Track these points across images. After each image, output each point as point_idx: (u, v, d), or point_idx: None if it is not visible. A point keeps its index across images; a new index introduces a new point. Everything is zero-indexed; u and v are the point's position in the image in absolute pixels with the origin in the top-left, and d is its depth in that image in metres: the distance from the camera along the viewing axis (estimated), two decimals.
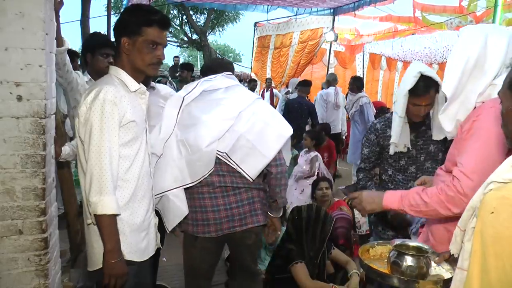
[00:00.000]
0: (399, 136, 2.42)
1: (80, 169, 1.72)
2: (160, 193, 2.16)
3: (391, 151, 2.49)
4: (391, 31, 11.88)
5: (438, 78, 2.22)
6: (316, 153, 5.06)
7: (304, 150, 5.20)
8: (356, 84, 6.45)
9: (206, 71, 2.42)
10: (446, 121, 1.78)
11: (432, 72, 2.27)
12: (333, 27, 9.60)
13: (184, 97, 2.21)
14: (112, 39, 2.12)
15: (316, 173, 4.90)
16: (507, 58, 1.64)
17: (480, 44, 1.66)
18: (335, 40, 10.18)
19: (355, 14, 9.28)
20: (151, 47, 1.72)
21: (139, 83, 1.80)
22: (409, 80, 2.25)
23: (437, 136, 2.28)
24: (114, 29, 1.76)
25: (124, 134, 1.69)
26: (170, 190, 2.17)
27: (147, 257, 1.86)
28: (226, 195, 2.23)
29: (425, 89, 2.23)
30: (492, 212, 0.99)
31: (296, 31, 11.43)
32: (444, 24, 9.24)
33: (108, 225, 1.62)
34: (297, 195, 4.81)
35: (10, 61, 1.87)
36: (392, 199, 1.75)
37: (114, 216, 1.63)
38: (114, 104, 1.62)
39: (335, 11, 9.57)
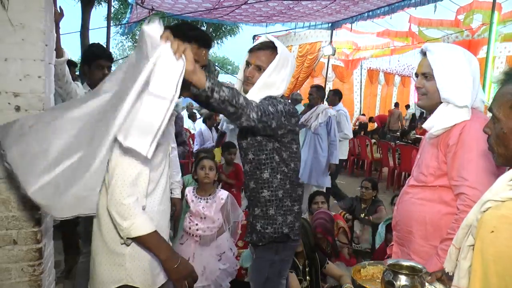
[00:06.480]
0: None
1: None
2: None
3: None
4: (389, 48, 11.99)
5: (278, 43, 2.03)
6: (226, 192, 3.25)
7: (193, 189, 3.19)
8: (320, 95, 5.73)
9: None
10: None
11: (275, 40, 2.07)
12: (331, 41, 9.68)
13: None
14: (111, 50, 2.07)
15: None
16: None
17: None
18: (333, 54, 10.25)
19: (351, 28, 9.38)
20: None
21: None
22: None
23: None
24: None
25: (152, 158, 1.52)
26: None
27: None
28: None
29: (258, 47, 2.06)
30: (492, 231, 0.98)
31: (295, 44, 11.52)
32: (440, 39, 9.37)
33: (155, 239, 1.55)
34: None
35: (9, 72, 1.88)
36: (432, 261, 1.71)
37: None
38: None
39: (333, 25, 9.68)
